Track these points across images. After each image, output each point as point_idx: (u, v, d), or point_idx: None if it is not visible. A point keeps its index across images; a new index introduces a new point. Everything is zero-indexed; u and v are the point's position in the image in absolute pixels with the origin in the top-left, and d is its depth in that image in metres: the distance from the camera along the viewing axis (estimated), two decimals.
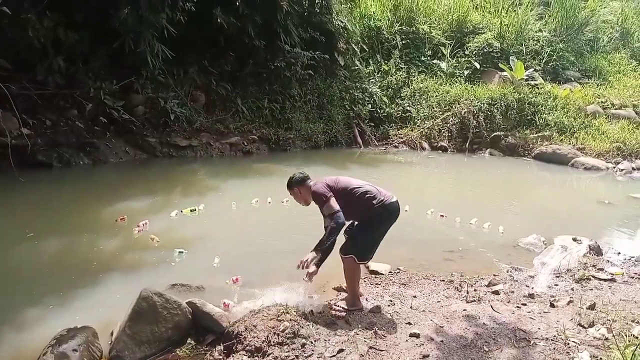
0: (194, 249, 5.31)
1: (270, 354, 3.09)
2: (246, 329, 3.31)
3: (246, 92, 12.77)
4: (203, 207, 6.79)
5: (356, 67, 15.62)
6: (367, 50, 16.56)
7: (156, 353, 3.35)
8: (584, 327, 3.54)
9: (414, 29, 17.20)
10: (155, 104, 10.82)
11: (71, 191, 7.99)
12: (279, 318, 3.40)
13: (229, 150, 11.76)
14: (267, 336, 3.20)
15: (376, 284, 4.59)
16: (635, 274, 5.11)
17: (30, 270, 4.79)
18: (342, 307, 3.89)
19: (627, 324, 3.57)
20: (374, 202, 3.71)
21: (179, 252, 5.17)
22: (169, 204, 7.15)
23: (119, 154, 10.04)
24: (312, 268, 3.66)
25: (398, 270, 4.97)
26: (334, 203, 3.65)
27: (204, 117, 11.77)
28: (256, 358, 3.12)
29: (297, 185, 3.95)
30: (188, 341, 3.50)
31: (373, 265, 4.88)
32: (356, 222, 3.94)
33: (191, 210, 6.62)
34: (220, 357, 3.33)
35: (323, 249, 3.70)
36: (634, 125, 14.05)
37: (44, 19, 8.86)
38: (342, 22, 14.56)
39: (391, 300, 4.13)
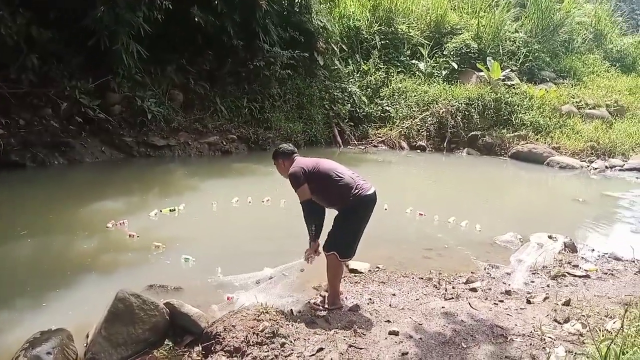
0: (173, 249, 5.24)
1: (249, 354, 3.06)
2: (225, 329, 3.28)
3: (225, 92, 12.66)
4: (183, 206, 6.72)
5: (335, 67, 15.61)
6: (347, 50, 16.59)
7: (133, 355, 3.28)
8: (559, 322, 3.60)
9: (392, 29, 17.30)
10: (132, 103, 10.65)
11: (46, 191, 7.81)
12: (258, 318, 3.37)
13: (208, 149, 11.65)
14: (246, 336, 3.17)
15: (356, 282, 4.60)
16: (609, 270, 5.22)
17: (4, 271, 4.67)
18: (322, 306, 3.89)
19: (601, 319, 3.64)
20: (350, 193, 3.69)
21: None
22: (147, 203, 7.05)
23: (94, 153, 9.85)
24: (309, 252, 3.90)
25: (377, 269, 4.99)
26: (303, 191, 3.72)
27: (181, 117, 11.63)
28: (235, 358, 3.08)
29: (282, 158, 3.99)
30: (166, 342, 3.45)
31: (352, 263, 4.87)
32: (336, 213, 3.91)
33: (170, 210, 6.55)
34: (199, 357, 3.29)
35: (311, 237, 3.84)
36: (607, 125, 14.40)
37: (17, 16, 8.65)
38: (321, 21, 14.55)
39: (370, 299, 4.14)
